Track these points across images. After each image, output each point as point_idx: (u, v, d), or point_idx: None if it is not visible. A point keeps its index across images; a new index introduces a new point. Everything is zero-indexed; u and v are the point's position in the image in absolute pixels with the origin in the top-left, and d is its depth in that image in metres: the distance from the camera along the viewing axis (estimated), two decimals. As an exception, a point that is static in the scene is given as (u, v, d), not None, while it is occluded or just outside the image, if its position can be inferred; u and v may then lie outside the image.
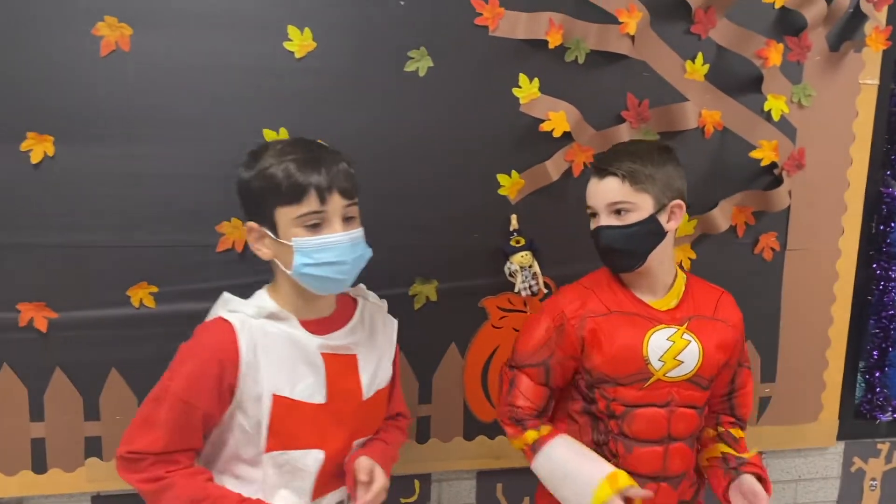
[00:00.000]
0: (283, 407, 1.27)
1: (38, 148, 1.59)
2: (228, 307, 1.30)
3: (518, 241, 1.82)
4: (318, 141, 1.36)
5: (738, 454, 1.52)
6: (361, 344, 1.37)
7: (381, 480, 1.31)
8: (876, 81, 1.97)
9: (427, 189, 1.77)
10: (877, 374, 2.10)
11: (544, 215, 1.83)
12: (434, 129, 1.75)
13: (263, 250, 1.28)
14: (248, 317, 1.27)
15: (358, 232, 1.28)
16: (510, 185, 1.80)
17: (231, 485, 1.30)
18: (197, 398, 1.23)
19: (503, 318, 1.87)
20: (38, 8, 1.56)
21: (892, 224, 2.04)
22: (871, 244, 2.06)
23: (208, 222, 1.69)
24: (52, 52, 1.57)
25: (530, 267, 1.82)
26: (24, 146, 1.59)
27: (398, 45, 1.71)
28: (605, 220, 1.41)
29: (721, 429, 1.58)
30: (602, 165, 1.41)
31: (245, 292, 1.52)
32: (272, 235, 1.25)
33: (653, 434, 1.46)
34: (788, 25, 1.88)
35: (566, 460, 1.45)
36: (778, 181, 1.93)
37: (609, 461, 1.45)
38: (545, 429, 1.50)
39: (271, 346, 1.27)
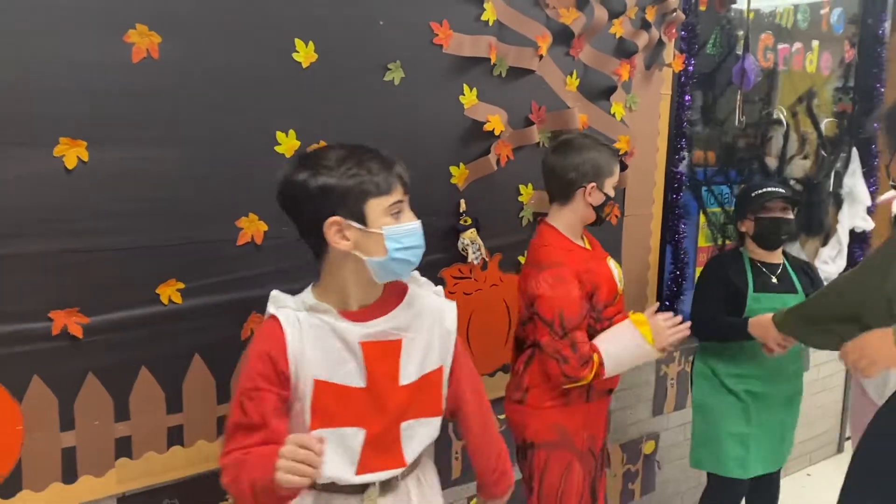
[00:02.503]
0: (324, 390, 1.40)
1: (70, 153, 1.59)
2: (276, 304, 1.43)
3: (466, 221, 2.24)
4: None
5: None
6: (408, 329, 1.47)
7: None
8: (669, 92, 2.77)
9: (399, 180, 2.09)
10: (675, 302, 2.93)
11: (481, 198, 2.27)
12: (404, 129, 2.08)
13: (343, 242, 1.38)
14: (292, 311, 1.41)
15: None
16: (459, 174, 2.21)
17: None
18: (261, 385, 1.37)
19: (456, 284, 2.27)
20: (70, 15, 1.56)
21: (681, 194, 2.87)
22: (668, 209, 2.87)
23: (228, 218, 1.82)
24: (84, 58, 1.58)
25: (475, 241, 2.25)
26: (56, 151, 1.58)
27: (379, 59, 2.00)
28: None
29: None
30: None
31: (263, 280, 1.82)
32: (359, 226, 1.37)
33: None
34: (623, 50, 2.56)
35: (615, 348, 1.96)
36: (623, 166, 2.61)
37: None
38: (593, 349, 1.95)
39: (315, 336, 1.40)
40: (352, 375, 1.42)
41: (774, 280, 2.52)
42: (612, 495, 2.92)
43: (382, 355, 1.45)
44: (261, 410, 1.37)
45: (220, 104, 1.77)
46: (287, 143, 1.87)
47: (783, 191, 2.52)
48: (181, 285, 1.77)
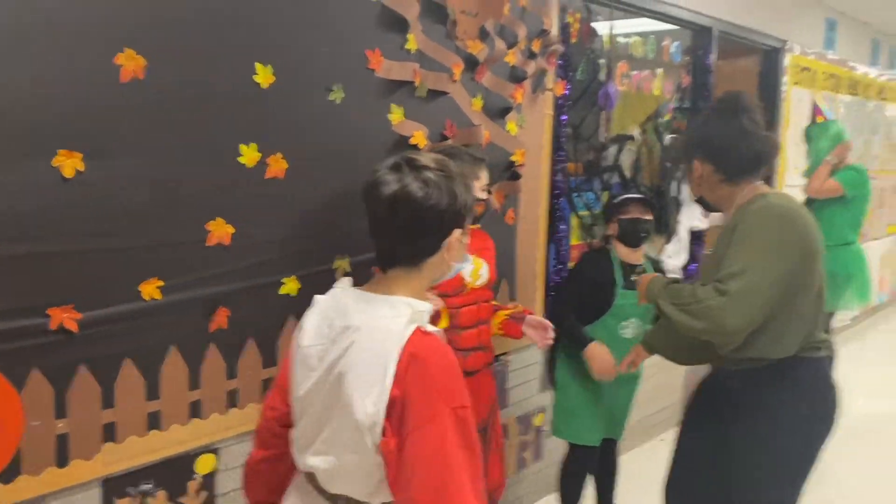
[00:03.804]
0: None
1: (68, 163, 1.75)
2: (423, 322, 1.40)
3: (395, 223, 2.55)
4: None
5: (517, 310, 2.62)
6: None
7: None
8: (550, 112, 3.24)
9: (340, 187, 2.37)
10: (556, 290, 3.40)
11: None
12: (344, 142, 2.36)
13: (453, 252, 1.46)
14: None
15: None
16: (388, 182, 2.52)
17: None
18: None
19: (386, 278, 2.58)
20: (67, 39, 1.73)
21: (561, 199, 3.34)
22: (551, 212, 3.33)
23: (199, 222, 2.03)
24: (81, 77, 1.76)
25: (403, 240, 2.58)
26: (55, 162, 1.73)
27: (324, 81, 2.28)
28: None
29: (502, 310, 2.64)
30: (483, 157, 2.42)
31: (231, 277, 2.07)
32: (460, 237, 1.46)
33: (471, 321, 2.45)
34: (516, 77, 2.99)
35: None
36: (516, 175, 3.04)
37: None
38: None
39: None
40: None
41: (634, 277, 2.87)
42: (510, 463, 3.33)
43: None
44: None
45: (193, 121, 1.98)
46: (249, 155, 2.11)
47: (640, 195, 2.95)
48: (161, 283, 1.96)
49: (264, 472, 1.60)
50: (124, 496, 1.97)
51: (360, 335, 1.36)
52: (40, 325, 1.75)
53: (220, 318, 2.10)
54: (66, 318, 1.79)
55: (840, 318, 6.35)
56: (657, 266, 3.06)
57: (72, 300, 1.80)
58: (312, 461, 1.42)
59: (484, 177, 2.45)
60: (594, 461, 3.05)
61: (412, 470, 1.29)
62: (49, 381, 1.79)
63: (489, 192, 2.48)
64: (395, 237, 1.43)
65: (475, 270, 2.45)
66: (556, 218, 3.35)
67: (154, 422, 2.01)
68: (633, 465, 3.83)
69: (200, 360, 2.08)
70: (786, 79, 5.20)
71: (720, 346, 2.11)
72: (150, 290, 1.94)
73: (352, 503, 1.41)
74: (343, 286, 1.50)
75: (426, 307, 1.42)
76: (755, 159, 2.19)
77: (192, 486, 2.13)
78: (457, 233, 1.44)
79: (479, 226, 2.60)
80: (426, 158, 1.44)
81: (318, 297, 1.50)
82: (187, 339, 2.04)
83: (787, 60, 5.19)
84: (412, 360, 1.31)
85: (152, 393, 1.99)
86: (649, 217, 2.93)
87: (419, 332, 1.36)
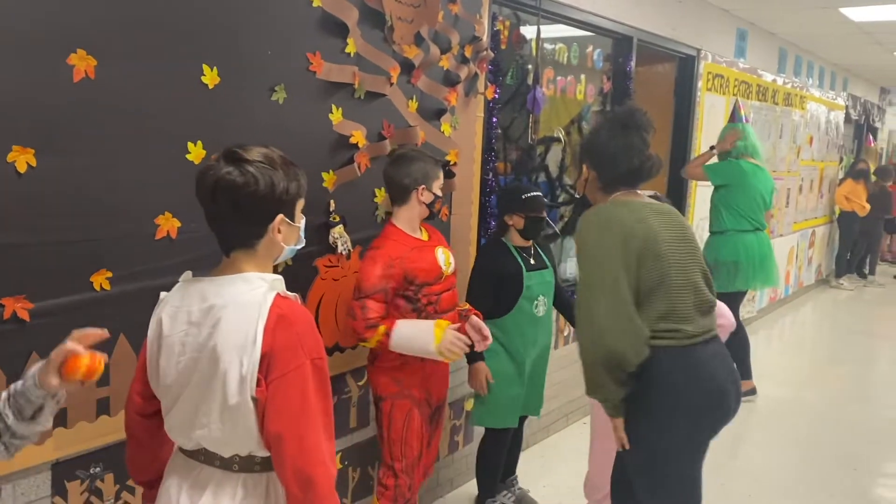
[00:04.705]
0: None
1: (21, 159, 1.82)
2: (282, 290, 1.55)
3: (335, 218, 2.68)
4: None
5: (464, 307, 2.81)
6: None
7: None
8: (482, 115, 3.41)
9: (282, 184, 2.48)
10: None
11: (346, 199, 2.72)
12: (286, 140, 2.44)
13: (278, 236, 1.56)
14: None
15: None
16: (329, 179, 2.65)
17: None
18: None
19: (327, 271, 2.70)
20: (22, 40, 1.79)
21: (491, 197, 3.52)
22: (482, 209, 3.51)
23: (148, 216, 2.11)
24: (35, 77, 1.82)
25: (343, 235, 2.70)
26: (9, 157, 1.80)
27: (268, 82, 2.39)
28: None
29: None
30: (441, 159, 2.57)
31: (178, 269, 2.09)
32: (290, 222, 1.58)
33: (449, 305, 2.68)
34: (449, 80, 3.15)
35: (409, 330, 2.48)
36: (450, 174, 3.20)
37: None
38: (387, 322, 2.49)
39: None
40: None
41: (532, 261, 3.12)
42: (442, 447, 3.50)
43: None
44: None
45: (143, 119, 2.07)
46: (195, 152, 2.20)
47: (547, 199, 3.13)
48: (110, 274, 2.04)
49: (143, 458, 1.76)
50: (74, 479, 2.05)
51: (226, 310, 1.50)
52: (-7, 314, 1.82)
53: (168, 309, 2.18)
54: (18, 307, 1.85)
55: (748, 310, 6.79)
56: (545, 245, 3.25)
57: (24, 291, 1.86)
58: (198, 434, 1.54)
59: (441, 177, 2.66)
60: (508, 441, 3.25)
61: (279, 409, 1.48)
62: (1, 369, 1.85)
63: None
64: (222, 222, 1.55)
65: (446, 259, 2.67)
66: (486, 214, 3.54)
67: (103, 408, 2.08)
68: (558, 446, 4.08)
69: (148, 349, 2.16)
70: (700, 85, 5.54)
71: (635, 355, 2.14)
72: (100, 281, 2.02)
73: (245, 460, 1.55)
74: (188, 278, 1.62)
75: (278, 277, 1.58)
76: (633, 175, 2.33)
77: (140, 469, 2.21)
78: (279, 217, 1.55)
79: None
80: (252, 152, 1.52)
81: (164, 294, 1.65)
82: (136, 329, 2.10)
83: (702, 68, 5.53)
84: (279, 319, 1.49)
85: (102, 380, 2.05)
86: (545, 215, 3.11)
87: (279, 297, 1.53)
